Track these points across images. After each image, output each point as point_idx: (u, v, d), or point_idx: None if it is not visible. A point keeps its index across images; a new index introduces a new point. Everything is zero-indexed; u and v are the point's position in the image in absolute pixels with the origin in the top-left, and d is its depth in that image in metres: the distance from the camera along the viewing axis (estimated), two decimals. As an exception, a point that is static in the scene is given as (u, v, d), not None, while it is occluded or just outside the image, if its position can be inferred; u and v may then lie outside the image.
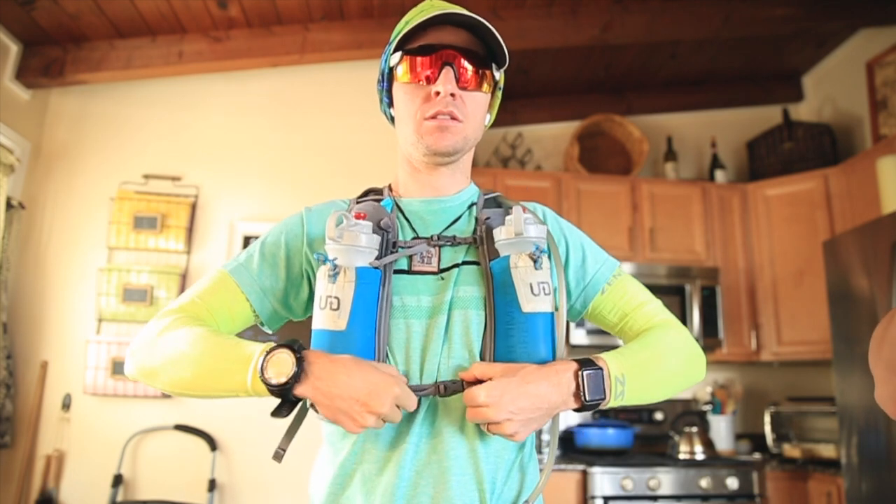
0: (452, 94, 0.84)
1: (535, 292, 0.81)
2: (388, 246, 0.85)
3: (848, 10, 3.01)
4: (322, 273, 0.80)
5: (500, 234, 0.85)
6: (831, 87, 3.57)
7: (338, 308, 0.78)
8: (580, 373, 0.78)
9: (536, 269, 0.82)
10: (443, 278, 0.85)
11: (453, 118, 0.85)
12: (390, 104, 0.94)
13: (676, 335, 0.91)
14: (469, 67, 0.86)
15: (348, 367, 0.73)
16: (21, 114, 2.72)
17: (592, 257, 0.97)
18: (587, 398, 0.78)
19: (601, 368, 0.80)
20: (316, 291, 0.81)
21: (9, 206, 2.56)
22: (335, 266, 0.79)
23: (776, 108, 3.70)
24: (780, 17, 2.98)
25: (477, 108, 0.89)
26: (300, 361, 0.72)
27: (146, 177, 2.84)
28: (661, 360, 0.87)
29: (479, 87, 0.87)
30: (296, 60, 2.90)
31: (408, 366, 0.81)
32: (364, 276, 0.79)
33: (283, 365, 0.72)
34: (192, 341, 0.79)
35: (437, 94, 0.84)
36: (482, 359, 0.81)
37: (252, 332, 1.37)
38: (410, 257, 0.87)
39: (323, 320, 0.79)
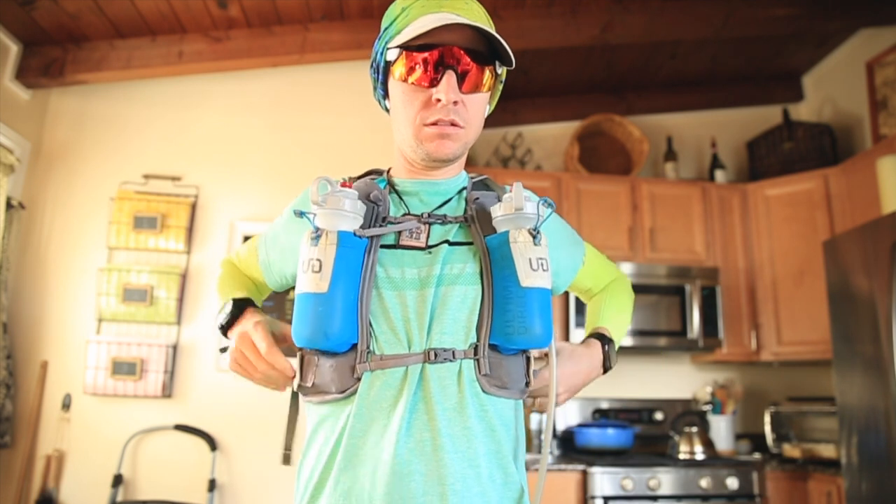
0: (454, 102, 0.83)
1: (533, 267, 0.81)
2: (377, 219, 0.86)
3: (848, 10, 3.01)
4: (305, 238, 0.81)
5: (497, 211, 0.85)
6: (831, 87, 3.57)
7: (319, 270, 0.77)
8: (605, 350, 1.00)
9: (535, 244, 0.82)
10: (430, 253, 0.85)
11: (454, 124, 0.84)
12: (385, 95, 0.94)
13: (625, 287, 1.13)
14: (471, 67, 0.84)
15: (238, 335, 0.89)
16: (21, 114, 2.72)
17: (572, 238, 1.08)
18: (611, 366, 1.00)
19: (612, 340, 1.01)
20: (299, 258, 0.81)
21: (9, 206, 2.56)
22: (317, 228, 0.79)
23: (776, 108, 3.70)
24: (780, 17, 2.98)
25: (478, 111, 0.88)
26: (235, 317, 0.92)
27: (146, 177, 2.84)
28: (627, 312, 1.11)
29: (481, 87, 0.86)
30: (296, 60, 2.90)
31: (392, 335, 0.80)
32: (346, 240, 0.79)
33: (224, 312, 0.94)
34: (219, 276, 1.09)
35: (438, 100, 0.83)
36: (478, 333, 0.81)
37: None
38: (399, 233, 0.87)
39: (306, 283, 0.79)
